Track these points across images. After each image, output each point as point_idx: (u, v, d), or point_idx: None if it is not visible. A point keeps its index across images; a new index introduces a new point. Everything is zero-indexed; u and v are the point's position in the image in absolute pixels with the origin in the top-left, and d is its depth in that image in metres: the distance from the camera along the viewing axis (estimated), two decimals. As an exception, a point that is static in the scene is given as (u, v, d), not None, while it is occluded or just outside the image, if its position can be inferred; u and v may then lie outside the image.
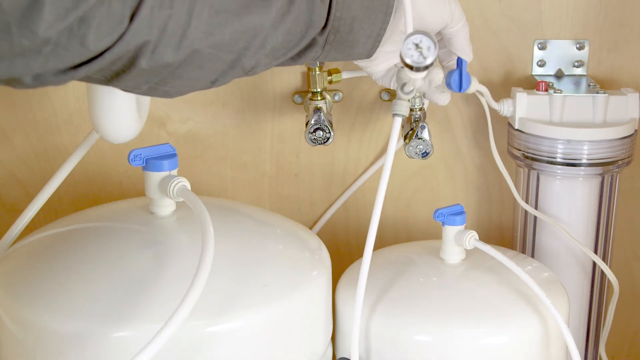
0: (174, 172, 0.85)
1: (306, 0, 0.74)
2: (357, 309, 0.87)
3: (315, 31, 0.77)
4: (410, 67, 0.77)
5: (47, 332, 0.77)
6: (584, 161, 1.06)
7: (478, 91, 1.06)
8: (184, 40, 0.66)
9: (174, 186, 0.84)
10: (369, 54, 0.85)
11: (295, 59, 0.80)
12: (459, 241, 0.94)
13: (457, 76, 0.91)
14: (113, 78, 0.67)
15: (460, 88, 0.92)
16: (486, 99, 1.08)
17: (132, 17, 0.62)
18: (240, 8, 0.69)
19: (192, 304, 0.71)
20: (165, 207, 0.87)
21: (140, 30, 0.63)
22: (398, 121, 0.88)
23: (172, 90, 0.72)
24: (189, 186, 0.85)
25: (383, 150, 1.18)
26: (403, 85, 0.87)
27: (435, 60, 0.76)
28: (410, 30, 0.84)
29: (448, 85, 0.99)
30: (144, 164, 0.85)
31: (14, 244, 0.90)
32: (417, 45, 0.76)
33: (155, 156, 0.85)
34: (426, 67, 0.76)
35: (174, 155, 0.86)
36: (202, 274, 0.73)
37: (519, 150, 1.09)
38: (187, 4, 0.65)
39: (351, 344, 0.87)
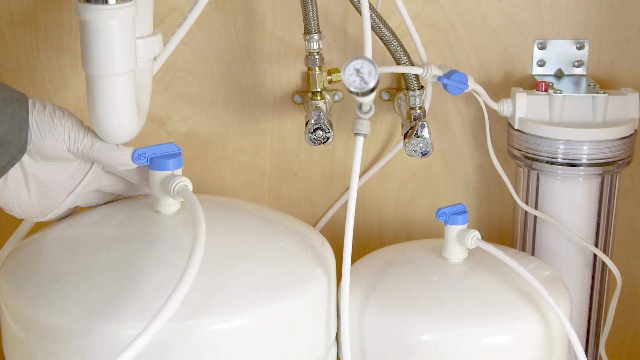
0: (178, 171, 0.85)
1: None
2: (344, 311, 0.87)
3: None
4: (356, 94, 0.77)
5: (51, 330, 0.77)
6: (584, 161, 1.06)
7: (474, 90, 1.06)
8: None
9: (175, 185, 0.84)
10: None
11: None
12: (461, 240, 0.94)
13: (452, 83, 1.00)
14: None
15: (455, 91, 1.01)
16: (483, 98, 1.08)
17: None
18: None
19: (177, 303, 0.71)
20: (169, 205, 0.87)
21: None
22: (360, 140, 0.92)
23: None
24: (190, 186, 0.85)
25: (383, 150, 1.18)
26: (360, 106, 0.90)
27: (378, 82, 0.76)
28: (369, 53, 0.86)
29: (445, 87, 1.02)
30: (149, 163, 0.85)
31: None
32: (358, 71, 0.76)
33: (159, 155, 0.85)
34: (372, 90, 0.76)
35: (178, 154, 0.86)
36: (188, 275, 0.72)
37: (519, 150, 1.09)
38: None
39: (342, 346, 0.88)
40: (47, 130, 0.83)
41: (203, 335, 0.76)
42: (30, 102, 0.84)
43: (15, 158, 0.82)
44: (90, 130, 0.86)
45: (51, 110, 0.84)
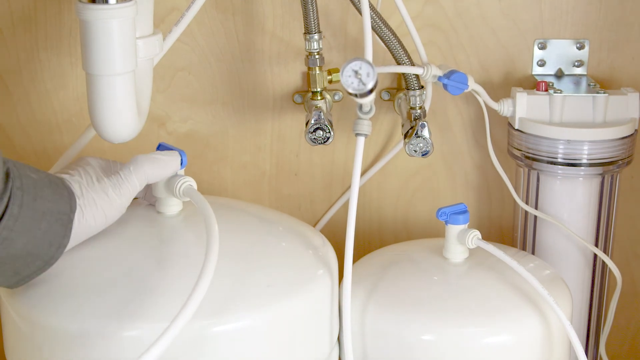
0: (181, 171, 0.86)
1: None
2: (346, 311, 0.87)
3: None
4: (355, 95, 0.77)
5: (54, 331, 0.77)
6: (584, 161, 1.06)
7: (474, 90, 1.06)
8: None
9: (180, 186, 0.84)
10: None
11: None
12: (461, 240, 0.94)
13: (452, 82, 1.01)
14: None
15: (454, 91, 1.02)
16: (483, 98, 1.08)
17: None
18: None
19: (196, 304, 0.71)
20: (172, 206, 0.87)
21: None
22: (361, 140, 0.92)
23: None
24: (195, 186, 0.85)
25: (383, 150, 1.18)
26: (360, 107, 0.91)
27: (376, 83, 0.76)
28: (369, 56, 0.86)
29: (445, 87, 1.02)
30: None
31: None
32: (356, 72, 0.76)
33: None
34: (370, 91, 0.76)
35: (182, 153, 0.86)
36: (206, 275, 0.73)
37: (519, 150, 1.09)
38: None
39: (344, 346, 0.88)
40: (111, 215, 0.82)
41: (208, 336, 0.76)
42: (78, 207, 0.79)
43: (40, 269, 0.78)
44: (131, 174, 0.82)
45: (106, 209, 0.81)
